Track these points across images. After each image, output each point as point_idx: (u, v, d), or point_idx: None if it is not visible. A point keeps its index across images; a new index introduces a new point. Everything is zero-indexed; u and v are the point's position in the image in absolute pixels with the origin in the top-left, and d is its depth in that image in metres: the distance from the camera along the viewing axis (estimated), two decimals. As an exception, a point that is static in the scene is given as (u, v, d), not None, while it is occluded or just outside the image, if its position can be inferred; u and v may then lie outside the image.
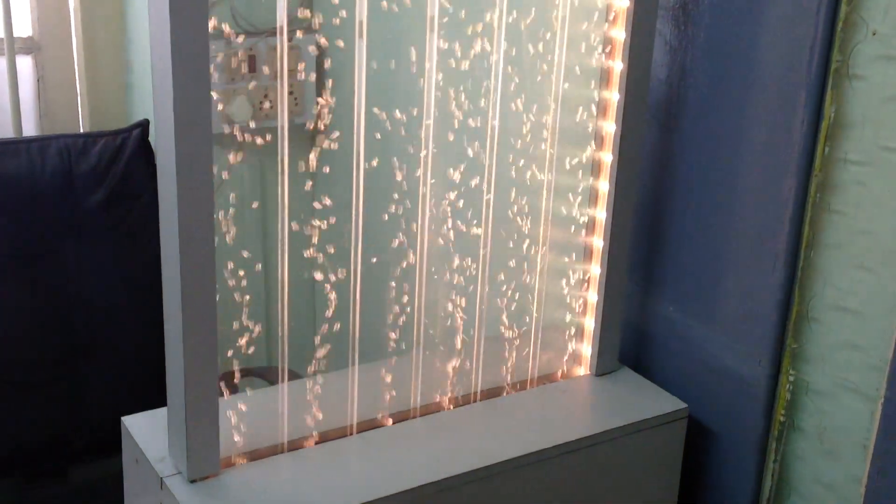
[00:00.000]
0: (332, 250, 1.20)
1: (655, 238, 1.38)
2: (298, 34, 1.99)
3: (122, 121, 2.14)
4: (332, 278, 1.20)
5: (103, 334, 1.95)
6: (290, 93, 2.02)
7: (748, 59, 1.23)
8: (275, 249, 1.14)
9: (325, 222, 1.17)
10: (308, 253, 1.18)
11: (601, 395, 1.33)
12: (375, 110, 1.20)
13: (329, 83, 1.21)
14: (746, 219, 1.27)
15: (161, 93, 0.99)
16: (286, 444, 1.18)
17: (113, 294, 1.95)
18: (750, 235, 1.27)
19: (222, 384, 1.12)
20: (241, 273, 1.15)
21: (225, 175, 1.14)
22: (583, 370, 1.37)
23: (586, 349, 1.36)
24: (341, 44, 1.15)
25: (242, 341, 1.17)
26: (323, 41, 1.21)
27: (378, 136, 1.22)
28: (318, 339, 1.21)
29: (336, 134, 1.17)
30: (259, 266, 1.18)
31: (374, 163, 1.19)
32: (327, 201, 1.19)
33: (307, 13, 1.20)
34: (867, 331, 1.17)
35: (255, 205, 1.28)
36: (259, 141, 1.18)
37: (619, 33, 1.24)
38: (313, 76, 1.24)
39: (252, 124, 1.99)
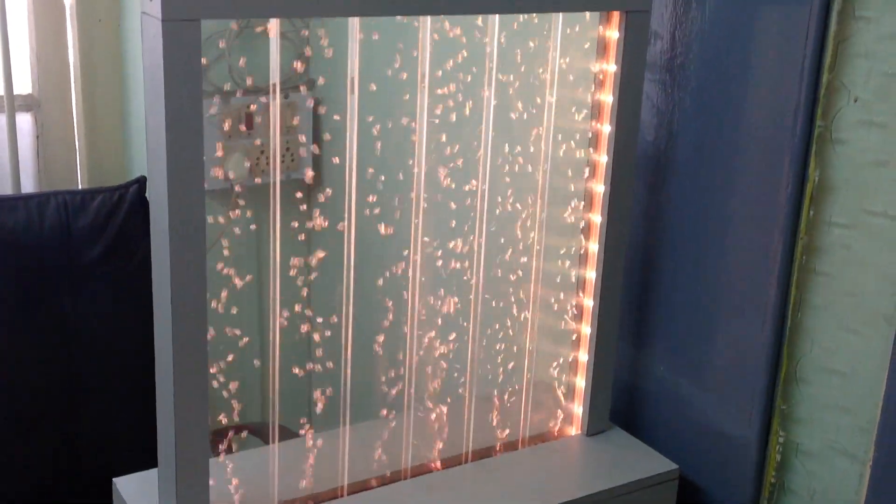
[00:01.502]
0: (322, 309, 1.21)
1: (645, 298, 1.39)
2: (298, 90, 2.02)
3: (119, 177, 2.16)
4: (324, 336, 1.21)
5: (99, 387, 1.96)
6: (287, 149, 2.05)
7: (734, 122, 1.25)
8: (267, 306, 1.15)
9: (313, 276, 1.19)
10: (300, 310, 1.20)
11: (592, 456, 1.33)
12: (370, 170, 1.23)
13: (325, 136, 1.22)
14: (734, 279, 1.28)
15: (155, 150, 1.01)
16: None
17: (109, 348, 1.96)
18: (738, 296, 1.28)
19: (215, 440, 1.13)
20: (236, 331, 1.16)
21: (220, 236, 1.16)
22: (574, 430, 1.38)
23: (577, 409, 1.37)
24: (336, 100, 1.17)
25: (234, 398, 1.17)
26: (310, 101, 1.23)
27: (372, 198, 1.24)
28: (308, 398, 1.22)
29: (328, 192, 1.19)
30: (251, 321, 1.19)
31: (368, 212, 1.21)
32: (320, 253, 1.21)
33: (303, 69, 1.21)
34: (855, 392, 1.17)
35: (248, 278, 1.29)
36: (256, 196, 1.20)
37: (608, 97, 1.26)
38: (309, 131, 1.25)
39: (250, 180, 2.01)
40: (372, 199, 1.23)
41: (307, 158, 2.05)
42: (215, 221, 1.13)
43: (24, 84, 2.13)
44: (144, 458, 1.25)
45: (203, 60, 0.97)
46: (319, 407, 1.23)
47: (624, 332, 1.42)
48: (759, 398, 1.25)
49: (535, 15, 1.30)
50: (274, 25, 1.06)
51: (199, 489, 1.09)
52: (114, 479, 1.20)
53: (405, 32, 1.22)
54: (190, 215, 1.02)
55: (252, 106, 2.03)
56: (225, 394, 1.17)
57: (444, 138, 1.28)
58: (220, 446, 1.19)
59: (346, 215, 1.17)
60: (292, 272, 1.17)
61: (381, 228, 1.25)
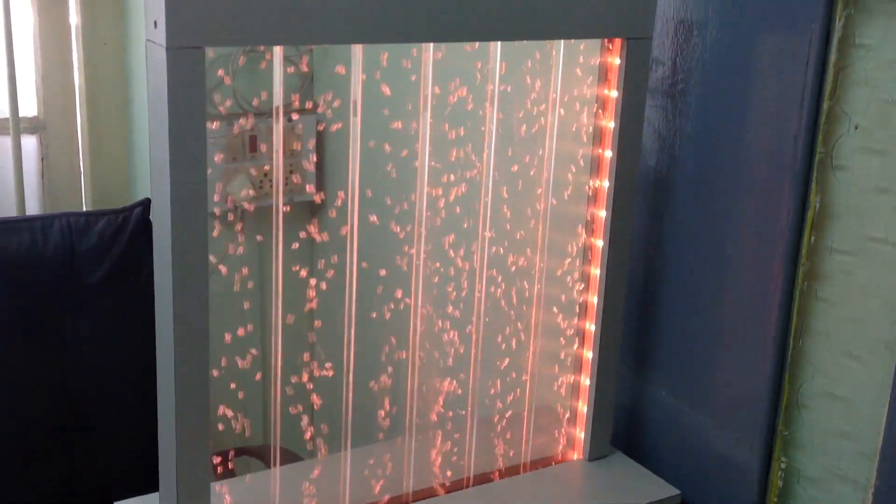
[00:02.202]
0: (324, 331, 1.22)
1: (647, 323, 1.40)
2: (301, 113, 2.04)
3: (123, 199, 2.17)
4: (327, 360, 1.21)
5: (100, 409, 1.96)
6: (291, 171, 2.06)
7: (735, 149, 1.26)
8: (269, 328, 1.15)
9: (317, 301, 1.19)
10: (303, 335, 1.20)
11: (594, 481, 1.33)
12: (368, 192, 1.23)
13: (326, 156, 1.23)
14: (736, 305, 1.28)
15: (159, 175, 1.02)
16: (277, 529, 1.18)
17: (111, 369, 1.96)
18: (740, 321, 1.28)
19: (217, 462, 1.13)
20: (238, 356, 1.17)
21: (221, 257, 1.16)
22: (576, 454, 1.37)
23: (579, 433, 1.37)
24: (340, 124, 1.17)
25: (235, 421, 1.18)
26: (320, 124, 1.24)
27: (374, 218, 1.24)
28: (310, 422, 1.22)
29: (332, 214, 1.20)
30: (254, 344, 1.20)
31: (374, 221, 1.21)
32: (323, 286, 1.21)
33: (306, 91, 1.23)
34: (857, 419, 1.17)
35: (250, 285, 1.30)
36: (258, 219, 1.21)
37: (609, 122, 1.27)
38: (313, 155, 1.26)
39: (251, 202, 2.02)
40: (374, 219, 1.24)
41: (310, 180, 2.06)
42: (218, 244, 1.13)
43: (29, 106, 2.14)
44: (146, 480, 1.25)
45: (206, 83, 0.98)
46: (321, 432, 1.23)
47: (626, 357, 1.42)
48: (761, 423, 1.25)
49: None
50: (278, 53, 1.07)
51: (200, 513, 1.09)
52: None
53: (408, 56, 1.23)
54: (193, 239, 1.02)
55: (253, 128, 2.04)
56: (227, 415, 1.17)
57: (445, 163, 1.28)
58: (221, 469, 1.19)
59: (349, 239, 1.18)
60: (296, 298, 1.18)
61: (385, 246, 1.25)
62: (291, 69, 2.03)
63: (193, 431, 1.06)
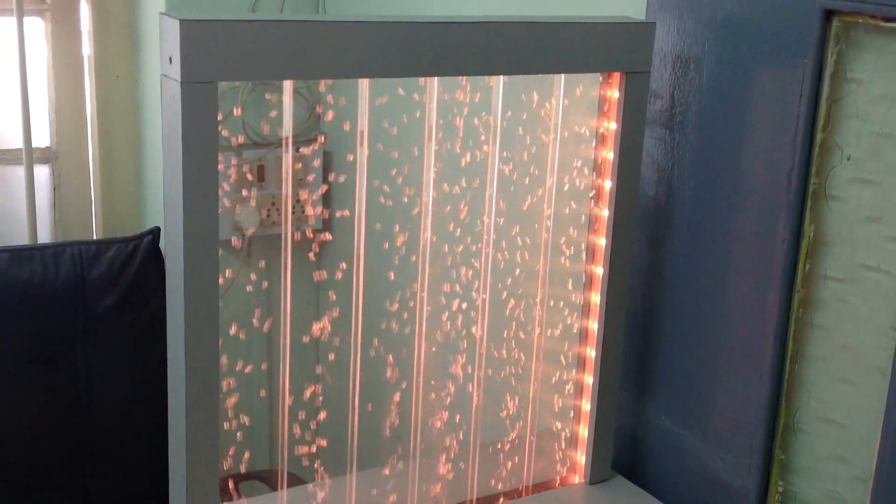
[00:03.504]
0: (331, 357, 1.25)
1: (647, 349, 1.42)
2: (309, 144, 2.07)
3: (134, 228, 2.21)
4: (332, 385, 1.24)
5: (111, 437, 1.98)
6: (298, 201, 2.09)
7: (731, 179, 1.29)
8: (277, 355, 1.18)
9: (328, 328, 1.22)
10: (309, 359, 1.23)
11: (594, 504, 1.36)
12: (377, 226, 1.27)
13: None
14: (734, 332, 1.31)
15: (172, 204, 1.05)
16: (284, 551, 1.20)
17: (122, 397, 1.99)
18: (737, 348, 1.31)
19: (223, 488, 1.15)
20: (242, 382, 1.19)
21: (230, 283, 1.19)
22: (577, 478, 1.40)
23: (580, 457, 1.39)
24: (344, 155, 1.21)
25: (243, 446, 1.20)
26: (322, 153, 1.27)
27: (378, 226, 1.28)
28: (315, 447, 1.25)
29: (336, 243, 1.23)
30: (263, 367, 1.22)
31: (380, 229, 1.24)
32: (333, 315, 1.24)
33: (314, 123, 1.26)
34: (852, 443, 1.20)
35: (257, 315, 1.33)
36: (266, 247, 1.24)
37: (609, 153, 1.30)
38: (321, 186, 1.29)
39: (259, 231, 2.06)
40: (383, 245, 1.28)
41: (317, 212, 2.09)
42: (227, 272, 1.17)
43: (42, 137, 2.19)
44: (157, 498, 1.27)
45: (219, 116, 1.01)
46: (326, 455, 1.25)
47: (627, 384, 1.44)
48: (758, 448, 1.28)
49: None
50: (288, 87, 1.10)
51: (209, 534, 1.11)
52: (125, 525, 1.23)
53: (414, 90, 1.26)
54: (205, 268, 1.05)
55: (262, 158, 2.07)
56: (235, 439, 1.20)
57: (448, 197, 1.32)
58: (228, 491, 1.22)
59: (355, 262, 1.21)
60: (303, 325, 1.21)
61: (391, 275, 1.28)
62: (300, 100, 2.07)
63: (203, 456, 1.09)
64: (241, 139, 2.05)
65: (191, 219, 1.03)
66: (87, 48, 2.17)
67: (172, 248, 1.07)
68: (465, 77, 1.27)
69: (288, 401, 1.19)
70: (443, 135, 1.26)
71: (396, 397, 1.31)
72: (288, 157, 1.16)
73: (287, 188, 1.14)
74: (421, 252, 1.25)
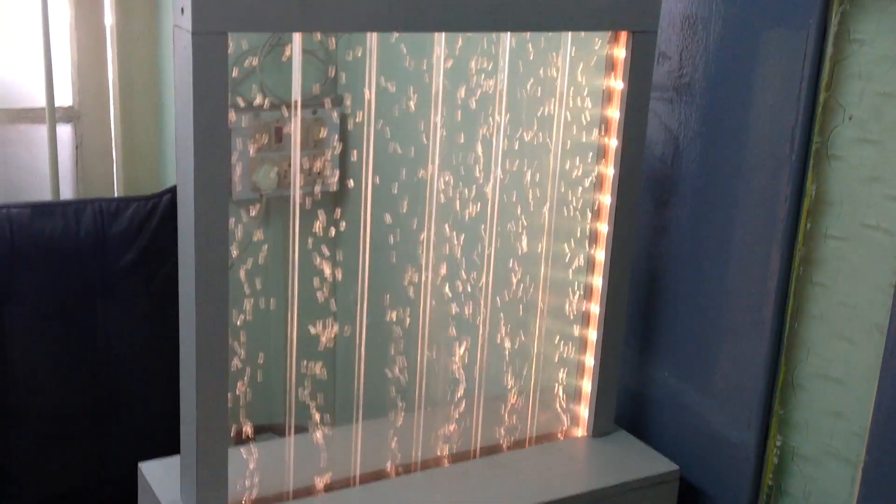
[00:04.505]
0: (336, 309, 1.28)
1: (651, 306, 1.45)
2: (325, 105, 2.10)
3: (154, 187, 2.25)
4: (337, 335, 1.27)
5: (129, 389, 2.03)
6: (314, 161, 2.12)
7: (736, 139, 1.31)
8: (285, 309, 1.21)
9: (330, 285, 1.25)
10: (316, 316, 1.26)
11: (596, 456, 1.38)
12: (376, 181, 1.29)
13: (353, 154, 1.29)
14: (735, 290, 1.33)
15: (184, 153, 1.08)
16: (292, 492, 1.24)
17: (140, 351, 2.03)
18: (739, 305, 1.33)
19: (235, 432, 1.19)
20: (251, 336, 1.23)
21: (247, 242, 1.22)
22: (580, 431, 1.43)
23: (584, 411, 1.42)
24: (360, 117, 1.23)
25: (251, 402, 1.24)
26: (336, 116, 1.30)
27: (394, 189, 1.31)
28: (323, 397, 1.28)
29: (350, 203, 1.26)
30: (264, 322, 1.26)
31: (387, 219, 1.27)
32: (339, 264, 1.27)
33: (330, 85, 1.28)
34: (849, 399, 1.22)
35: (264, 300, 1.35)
36: (282, 206, 1.26)
37: (615, 113, 1.32)
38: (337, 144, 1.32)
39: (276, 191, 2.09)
40: (389, 217, 1.30)
41: (333, 173, 2.12)
42: (242, 231, 1.20)
43: (65, 97, 2.23)
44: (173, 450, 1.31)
45: (235, 73, 1.04)
46: (334, 405, 1.29)
47: (631, 340, 1.47)
48: (757, 404, 1.30)
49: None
50: (297, 40, 1.13)
51: (217, 471, 1.15)
52: (139, 464, 1.27)
53: (421, 50, 1.28)
54: (216, 215, 1.08)
55: (280, 119, 2.10)
56: (242, 395, 1.23)
57: (455, 153, 1.34)
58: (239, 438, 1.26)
59: (362, 223, 1.24)
60: (314, 281, 1.24)
61: (395, 236, 1.31)
62: (317, 62, 2.09)
63: (212, 397, 1.13)
64: (258, 101, 2.08)
65: (202, 170, 1.06)
66: (108, 9, 2.21)
67: (184, 194, 1.10)
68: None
69: (296, 351, 1.22)
70: (451, 92, 1.29)
71: (403, 349, 1.34)
72: (297, 119, 1.18)
73: (296, 137, 1.17)
74: (428, 198, 1.28)
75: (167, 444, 1.53)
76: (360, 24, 1.11)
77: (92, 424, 2.01)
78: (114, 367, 2.01)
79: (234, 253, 1.14)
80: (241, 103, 2.07)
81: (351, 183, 1.28)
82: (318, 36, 2.09)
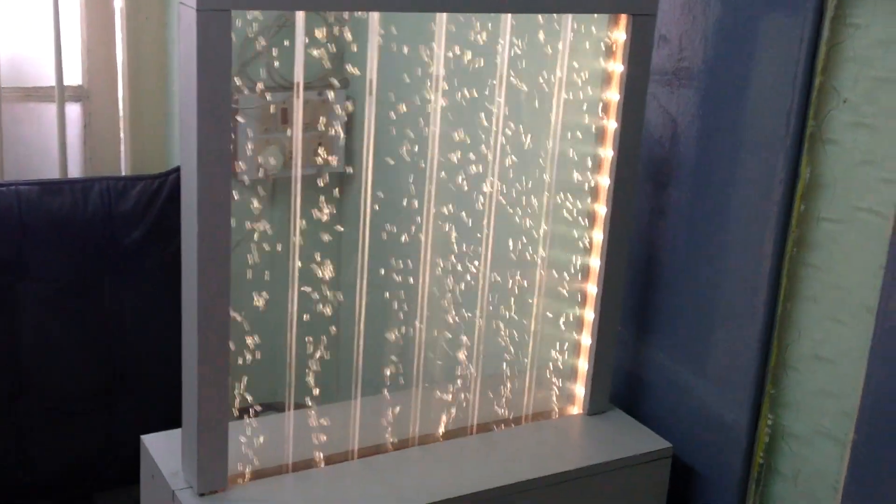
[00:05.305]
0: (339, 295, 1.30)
1: (647, 287, 1.47)
2: (330, 89, 2.12)
3: (160, 166, 2.27)
4: (335, 312, 1.29)
5: (136, 366, 2.06)
6: (319, 144, 2.14)
7: (733, 122, 1.32)
8: (285, 287, 1.23)
9: (331, 268, 1.27)
10: (315, 289, 1.28)
11: (591, 433, 1.40)
12: (388, 159, 1.31)
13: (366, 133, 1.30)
14: (730, 271, 1.35)
15: (187, 130, 1.10)
16: (291, 465, 1.26)
17: (147, 327, 2.06)
18: (733, 286, 1.35)
19: (236, 408, 1.21)
20: (254, 306, 1.25)
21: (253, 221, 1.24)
22: (576, 409, 1.45)
23: (579, 389, 1.44)
24: (365, 97, 1.25)
25: (250, 379, 1.26)
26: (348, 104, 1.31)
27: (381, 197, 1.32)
28: (323, 374, 1.30)
29: (351, 182, 1.27)
30: (267, 301, 1.27)
31: (382, 193, 1.29)
32: (340, 243, 1.29)
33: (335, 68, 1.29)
34: (840, 379, 1.24)
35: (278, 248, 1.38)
36: (288, 187, 1.28)
37: (614, 95, 1.34)
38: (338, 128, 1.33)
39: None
40: (382, 196, 1.32)
41: (339, 154, 2.14)
42: (247, 211, 1.21)
43: (74, 76, 2.25)
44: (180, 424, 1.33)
45: (247, 53, 1.05)
46: (333, 381, 1.31)
47: (626, 321, 1.49)
48: (750, 383, 1.32)
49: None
50: (300, 19, 1.15)
51: (218, 443, 1.17)
52: (142, 437, 1.29)
53: (422, 34, 1.30)
54: (217, 196, 1.10)
55: (286, 101, 2.12)
56: (243, 370, 1.25)
57: (455, 133, 1.36)
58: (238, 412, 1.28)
59: (362, 202, 1.26)
60: (315, 257, 1.26)
61: (395, 216, 1.33)
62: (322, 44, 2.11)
63: (213, 368, 1.15)
64: (265, 81, 2.10)
65: (205, 147, 1.08)
66: (118, -8, 2.23)
67: (187, 174, 1.12)
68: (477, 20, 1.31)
69: (296, 328, 1.24)
70: (452, 74, 1.30)
71: (401, 327, 1.36)
72: (299, 101, 1.19)
73: (297, 114, 1.18)
74: (428, 178, 1.30)
75: (174, 418, 1.56)
76: (363, 2, 1.13)
77: (100, 398, 2.04)
78: (122, 343, 2.04)
79: (239, 232, 1.16)
80: (249, 84, 2.09)
81: (350, 169, 1.30)
82: (325, 32, 2.10)
